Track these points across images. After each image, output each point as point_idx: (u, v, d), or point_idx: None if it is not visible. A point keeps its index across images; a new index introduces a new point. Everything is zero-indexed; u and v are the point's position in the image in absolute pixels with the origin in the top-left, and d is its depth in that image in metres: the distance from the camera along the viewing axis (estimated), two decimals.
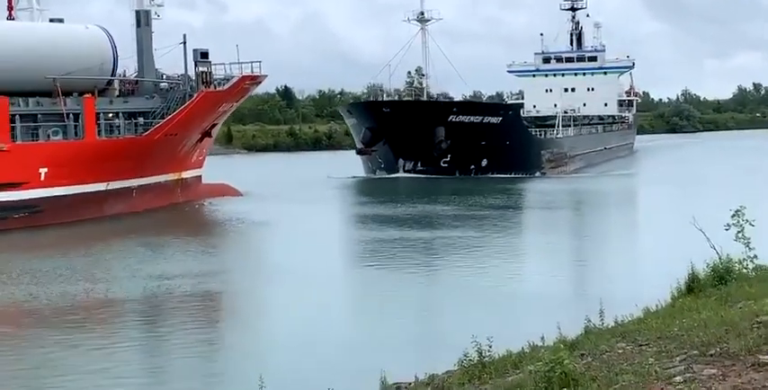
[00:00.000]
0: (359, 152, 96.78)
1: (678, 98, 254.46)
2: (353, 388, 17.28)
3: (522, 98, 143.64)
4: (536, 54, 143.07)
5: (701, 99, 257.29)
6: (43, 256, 43.54)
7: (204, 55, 68.06)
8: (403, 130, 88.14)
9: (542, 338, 16.83)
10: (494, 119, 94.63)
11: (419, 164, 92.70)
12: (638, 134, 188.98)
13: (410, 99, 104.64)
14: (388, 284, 35.52)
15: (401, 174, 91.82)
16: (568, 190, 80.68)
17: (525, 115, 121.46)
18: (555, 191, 79.12)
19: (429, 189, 78.22)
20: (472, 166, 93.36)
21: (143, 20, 69.00)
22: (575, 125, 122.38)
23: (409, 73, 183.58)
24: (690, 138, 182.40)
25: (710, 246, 19.53)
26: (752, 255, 18.92)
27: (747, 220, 18.46)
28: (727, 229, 18.53)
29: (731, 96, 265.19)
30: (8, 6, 66.09)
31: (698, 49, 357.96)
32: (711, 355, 12.41)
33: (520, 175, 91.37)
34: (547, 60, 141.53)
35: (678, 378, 11.39)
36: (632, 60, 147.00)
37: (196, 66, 67.52)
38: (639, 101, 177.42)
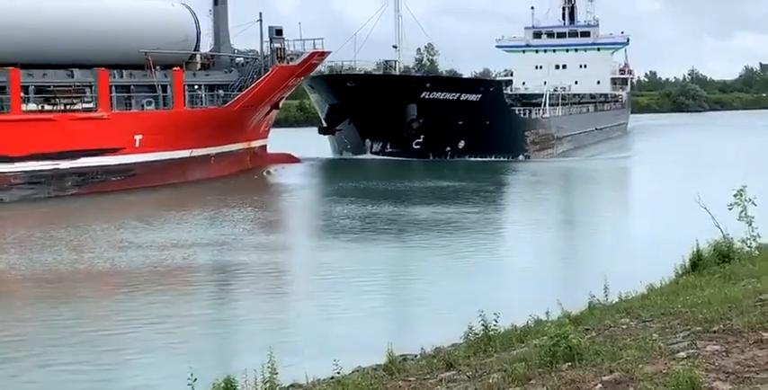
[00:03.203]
0: (321, 131, 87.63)
1: (685, 78, 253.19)
2: (360, 360, 17.40)
3: (512, 75, 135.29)
4: (526, 28, 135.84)
5: (708, 79, 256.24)
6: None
7: (279, 32, 72.88)
8: (370, 108, 79.62)
9: (547, 313, 16.94)
10: (472, 97, 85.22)
11: (388, 146, 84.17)
12: (643, 113, 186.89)
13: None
14: (386, 261, 35.55)
15: (368, 156, 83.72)
16: (559, 170, 79.37)
17: (511, 92, 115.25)
18: (544, 172, 77.48)
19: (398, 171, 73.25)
20: (447, 148, 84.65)
21: None
22: (563, 104, 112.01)
23: (419, 50, 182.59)
24: (693, 118, 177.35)
25: (715, 225, 19.61)
26: (755, 234, 19.01)
27: (750, 199, 18.54)
28: (730, 208, 18.61)
29: (737, 76, 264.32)
30: None
31: (699, 29, 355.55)
32: (715, 331, 12.48)
33: (501, 159, 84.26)
34: (538, 35, 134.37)
35: (681, 354, 11.47)
36: (627, 36, 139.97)
37: (271, 42, 72.29)
38: (634, 79, 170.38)
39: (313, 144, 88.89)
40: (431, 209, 49.31)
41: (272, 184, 70.20)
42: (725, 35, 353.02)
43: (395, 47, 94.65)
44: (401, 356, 16.79)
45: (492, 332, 15.35)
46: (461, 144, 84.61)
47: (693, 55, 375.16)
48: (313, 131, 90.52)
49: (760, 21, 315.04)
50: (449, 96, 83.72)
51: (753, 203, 18.52)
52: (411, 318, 25.44)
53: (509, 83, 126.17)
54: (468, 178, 68.38)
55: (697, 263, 18.80)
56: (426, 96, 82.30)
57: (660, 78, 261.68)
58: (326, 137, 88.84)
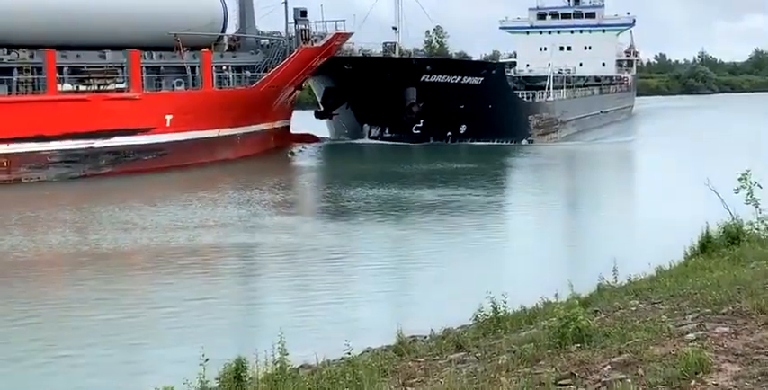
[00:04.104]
0: (318, 115, 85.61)
1: (695, 60, 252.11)
2: (370, 342, 17.49)
3: (515, 57, 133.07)
4: (530, 9, 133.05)
5: (718, 61, 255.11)
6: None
7: (303, 13, 74.54)
8: (368, 91, 77.73)
9: (556, 295, 16.96)
10: (474, 80, 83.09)
11: (387, 131, 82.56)
12: (652, 95, 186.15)
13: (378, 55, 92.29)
14: (394, 243, 35.68)
15: (366, 141, 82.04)
16: (563, 154, 78.85)
17: (514, 75, 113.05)
18: (548, 155, 76.99)
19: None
20: (448, 133, 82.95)
21: None
22: (568, 86, 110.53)
23: (427, 32, 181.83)
24: (701, 101, 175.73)
25: (724, 207, 19.59)
26: (762, 216, 18.99)
27: (756, 182, 18.50)
28: (736, 192, 18.57)
29: (747, 58, 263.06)
30: None
31: (709, 11, 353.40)
32: (724, 313, 12.47)
33: (503, 143, 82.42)
34: (542, 16, 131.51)
35: (691, 335, 11.48)
36: (633, 17, 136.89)
37: (296, 23, 73.84)
38: (640, 61, 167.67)
39: (324, 125, 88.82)
40: (436, 192, 49.44)
41: (292, 167, 70.28)
42: (735, 17, 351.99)
43: (395, 28, 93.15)
44: (411, 337, 16.87)
45: (501, 314, 15.39)
46: (463, 128, 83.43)
47: (703, 37, 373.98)
48: None
49: None
50: (450, 79, 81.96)
51: (758, 186, 18.49)
52: (420, 300, 25.46)
53: (513, 65, 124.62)
54: (470, 161, 68.19)
55: (706, 245, 18.78)
56: (426, 79, 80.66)
57: (670, 60, 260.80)
58: (324, 121, 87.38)
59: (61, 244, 34.98)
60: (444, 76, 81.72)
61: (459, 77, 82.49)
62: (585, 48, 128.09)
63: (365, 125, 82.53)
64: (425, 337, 17.41)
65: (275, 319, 21.83)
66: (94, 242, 35.10)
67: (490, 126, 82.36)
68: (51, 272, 31.78)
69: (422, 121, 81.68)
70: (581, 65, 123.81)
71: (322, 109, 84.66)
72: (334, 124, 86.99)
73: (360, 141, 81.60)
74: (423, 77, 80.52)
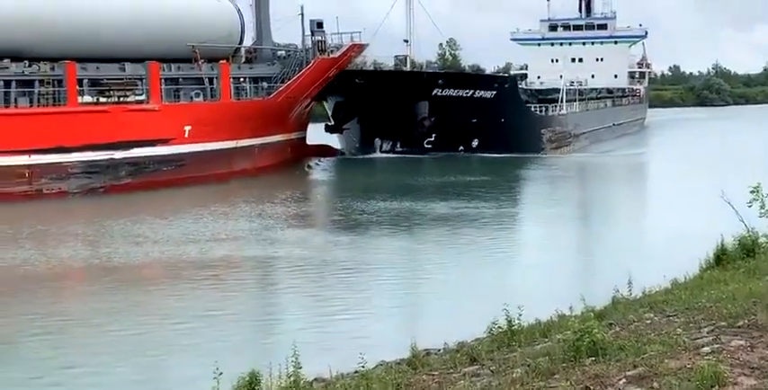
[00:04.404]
0: (328, 129, 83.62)
1: (709, 71, 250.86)
2: (384, 355, 17.43)
3: (526, 69, 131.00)
4: (542, 21, 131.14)
5: (732, 73, 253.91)
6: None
7: (320, 25, 74.56)
8: (379, 105, 75.77)
9: (570, 308, 16.89)
10: (487, 94, 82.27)
11: (398, 145, 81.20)
12: (666, 107, 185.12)
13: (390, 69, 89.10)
14: (408, 256, 35.67)
15: (378, 155, 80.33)
16: (575, 165, 78.63)
17: (527, 87, 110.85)
18: (560, 166, 76.79)
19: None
20: (461, 148, 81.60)
21: None
22: (581, 99, 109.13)
23: (440, 45, 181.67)
24: (714, 112, 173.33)
25: (739, 219, 19.49)
26: None
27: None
28: (749, 205, 18.45)
29: (762, 70, 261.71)
30: None
31: (722, 22, 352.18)
32: (739, 326, 12.43)
33: (515, 154, 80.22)
34: (553, 28, 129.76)
35: (706, 349, 11.42)
36: (645, 29, 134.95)
37: (312, 34, 74.31)
38: (652, 72, 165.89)
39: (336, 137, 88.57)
40: (449, 205, 49.26)
41: (306, 180, 70.26)
42: (746, 28, 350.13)
43: (406, 41, 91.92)
44: (424, 350, 16.81)
45: (515, 327, 15.31)
46: (475, 143, 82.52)
47: (716, 48, 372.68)
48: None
49: None
50: (462, 93, 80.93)
51: None
52: (434, 313, 25.42)
53: (524, 76, 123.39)
54: (483, 173, 67.83)
55: (721, 258, 18.68)
56: (438, 93, 79.67)
57: (684, 72, 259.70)
58: (335, 135, 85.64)
59: (72, 258, 35.02)
60: (456, 90, 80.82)
61: (472, 91, 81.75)
62: (597, 59, 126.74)
63: (377, 139, 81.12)
64: (439, 350, 17.35)
65: (288, 333, 21.83)
66: (105, 255, 35.12)
67: (503, 140, 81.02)
68: (62, 287, 31.76)
69: (433, 135, 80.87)
70: (593, 77, 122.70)
71: (333, 123, 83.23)
72: (345, 138, 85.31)
73: (371, 156, 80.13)
74: (435, 91, 79.69)
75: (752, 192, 18.27)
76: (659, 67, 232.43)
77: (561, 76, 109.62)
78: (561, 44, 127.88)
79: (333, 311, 25.84)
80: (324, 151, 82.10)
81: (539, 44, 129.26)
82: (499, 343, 14.92)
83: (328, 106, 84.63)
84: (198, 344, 22.56)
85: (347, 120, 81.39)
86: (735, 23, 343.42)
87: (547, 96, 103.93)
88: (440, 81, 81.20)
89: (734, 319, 12.83)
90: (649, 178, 72.31)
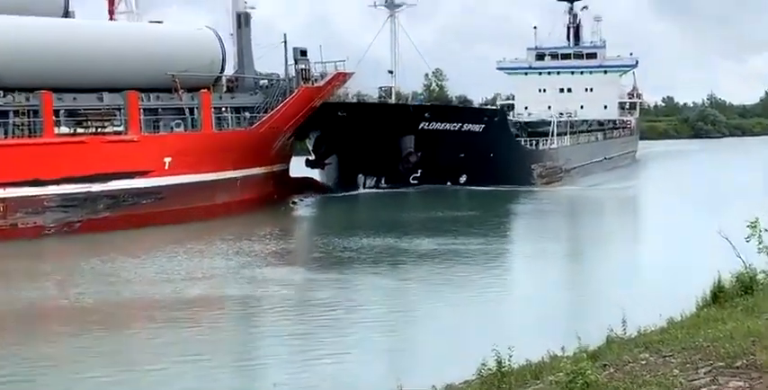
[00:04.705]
0: (309, 164, 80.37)
1: (704, 102, 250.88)
2: None
3: (513, 99, 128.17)
4: (529, 49, 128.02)
5: (727, 103, 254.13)
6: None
7: (303, 53, 73.71)
8: (363, 139, 72.91)
9: (563, 348, 16.51)
10: (475, 127, 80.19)
11: (383, 181, 78.65)
12: (660, 139, 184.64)
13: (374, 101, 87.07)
14: (393, 295, 35.14)
15: (361, 191, 77.55)
16: (565, 199, 78.29)
17: (516, 119, 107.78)
18: (554, 198, 76.83)
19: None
20: (448, 183, 79.60)
21: (243, 22, 74.68)
22: (572, 132, 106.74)
23: (426, 75, 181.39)
24: (709, 145, 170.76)
25: (736, 255, 19.11)
26: None
27: (766, 229, 18.04)
28: (747, 241, 18.08)
29: (758, 101, 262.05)
30: (109, 10, 72.55)
31: (717, 52, 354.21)
32: (738, 367, 12.20)
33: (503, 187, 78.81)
34: (541, 57, 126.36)
35: None
36: (635, 58, 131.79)
37: (296, 63, 72.94)
38: (644, 103, 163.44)
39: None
40: (436, 241, 48.51)
41: (290, 217, 68.95)
42: (739, 58, 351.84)
43: (390, 72, 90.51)
44: None
45: (505, 368, 14.90)
46: (463, 178, 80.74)
47: (710, 79, 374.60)
48: None
49: None
50: (449, 126, 79.02)
51: None
52: (420, 354, 25.11)
53: (511, 107, 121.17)
54: (471, 208, 67.26)
55: (718, 295, 18.28)
56: (425, 127, 77.66)
57: (677, 103, 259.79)
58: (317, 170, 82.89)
59: (40, 299, 34.45)
60: (443, 124, 78.87)
61: (460, 124, 79.81)
62: (587, 89, 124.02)
63: (360, 175, 78.27)
64: None
65: (269, 377, 21.46)
66: (75, 296, 34.59)
67: (491, 175, 79.29)
68: (28, 330, 30.95)
69: (419, 171, 78.86)
70: (582, 107, 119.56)
71: (314, 157, 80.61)
72: (327, 174, 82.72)
73: (353, 193, 76.93)
74: (421, 124, 77.62)
75: (749, 227, 17.88)
76: (652, 98, 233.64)
77: (549, 107, 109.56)
78: (549, 73, 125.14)
79: (315, 353, 25.37)
80: (308, 183, 80.00)
81: (526, 73, 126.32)
82: (488, 385, 14.53)
83: (309, 140, 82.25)
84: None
85: (329, 155, 78.94)
86: (729, 53, 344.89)
87: (537, 129, 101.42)
88: (426, 114, 79.31)
89: (732, 359, 12.54)
90: (642, 212, 71.91)
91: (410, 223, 59.68)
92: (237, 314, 32.52)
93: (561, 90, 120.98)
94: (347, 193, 76.30)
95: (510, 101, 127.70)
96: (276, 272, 40.21)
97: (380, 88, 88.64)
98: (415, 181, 78.84)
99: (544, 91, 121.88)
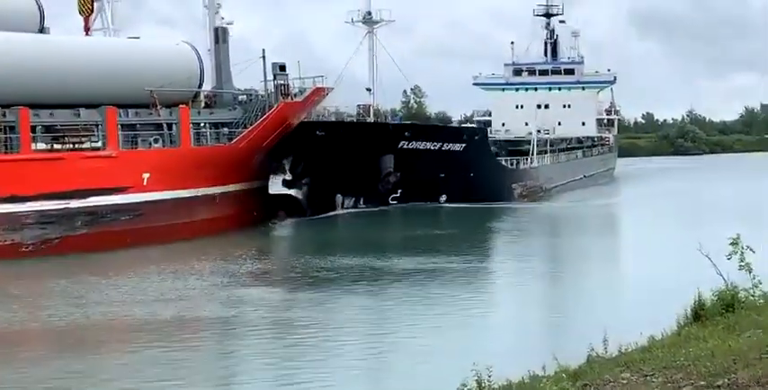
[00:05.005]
0: (286, 184, 75.32)
1: (684, 118, 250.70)
2: None
3: (490, 115, 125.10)
4: (506, 65, 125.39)
5: (707, 120, 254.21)
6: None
7: (282, 68, 73.18)
8: (341, 159, 70.74)
9: (543, 367, 16.37)
10: (456, 146, 79.13)
11: (361, 201, 76.40)
12: (639, 156, 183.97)
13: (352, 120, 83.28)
14: (372, 314, 34.99)
15: (339, 212, 74.98)
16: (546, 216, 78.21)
17: (494, 137, 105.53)
18: (533, 217, 76.59)
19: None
20: (428, 203, 77.95)
21: (221, 37, 74.43)
22: (551, 150, 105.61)
23: (405, 92, 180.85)
24: (687, 162, 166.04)
25: (717, 273, 18.98)
26: (756, 282, 18.38)
27: (748, 247, 17.91)
28: (729, 258, 17.96)
29: (738, 117, 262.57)
30: (85, 27, 71.67)
31: (696, 69, 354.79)
32: (719, 386, 12.08)
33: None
34: (518, 72, 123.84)
35: None
36: (613, 74, 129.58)
37: (275, 78, 72.36)
38: (623, 120, 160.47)
39: None
40: (415, 260, 48.06)
41: (270, 238, 67.29)
42: (719, 75, 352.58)
43: (369, 89, 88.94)
44: None
45: (485, 389, 14.75)
46: (443, 198, 79.29)
47: (690, 95, 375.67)
48: None
49: (759, 59, 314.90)
50: (429, 146, 77.52)
51: (750, 250, 17.88)
52: (398, 374, 24.83)
53: (488, 123, 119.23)
54: (450, 226, 67.08)
55: (699, 313, 18.15)
56: (405, 146, 75.96)
57: (657, 120, 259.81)
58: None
59: (7, 321, 33.85)
60: (424, 143, 77.26)
61: (440, 143, 78.45)
62: (564, 106, 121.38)
63: (338, 195, 75.34)
64: None
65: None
66: (44, 317, 34.15)
67: (472, 196, 78.39)
68: None
69: (399, 192, 77.16)
70: (560, 124, 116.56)
71: (291, 177, 75.77)
72: (303, 194, 77.35)
73: (331, 214, 73.83)
74: (401, 143, 75.96)
75: (731, 244, 17.75)
76: (632, 114, 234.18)
77: (527, 124, 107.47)
78: (526, 89, 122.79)
79: (292, 377, 25.04)
80: (287, 202, 76.30)
81: (503, 89, 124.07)
82: None
83: (286, 160, 77.42)
84: None
85: (306, 175, 75.11)
86: (709, 70, 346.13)
87: (516, 147, 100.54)
88: (406, 133, 77.76)
89: (713, 378, 12.42)
90: (622, 229, 71.71)
91: (389, 242, 59.19)
92: (211, 335, 32.13)
93: (539, 106, 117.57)
94: (324, 215, 73.37)
95: (487, 118, 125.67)
96: (252, 293, 39.71)
97: (359, 106, 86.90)
98: (395, 202, 77.54)
99: (521, 107, 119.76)
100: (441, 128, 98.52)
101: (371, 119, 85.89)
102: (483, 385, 14.78)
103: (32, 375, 26.24)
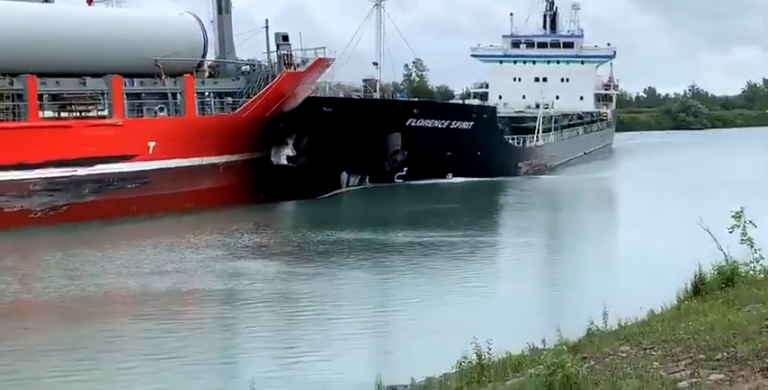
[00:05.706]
0: (290, 160, 72.48)
1: (686, 93, 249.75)
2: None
3: (487, 87, 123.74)
4: (504, 37, 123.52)
5: (709, 95, 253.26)
6: None
7: (285, 38, 73.50)
8: (348, 136, 68.34)
9: (543, 341, 16.45)
10: (464, 124, 78.21)
11: (367, 179, 75.02)
12: (641, 130, 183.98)
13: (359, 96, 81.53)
14: (374, 288, 34.98)
15: (343, 190, 73.25)
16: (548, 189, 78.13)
17: (501, 115, 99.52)
18: (536, 190, 76.73)
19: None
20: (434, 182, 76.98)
21: (224, 7, 74.87)
22: (555, 127, 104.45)
23: (406, 65, 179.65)
24: (688, 137, 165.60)
25: (718, 247, 18.99)
26: (757, 257, 18.37)
27: (750, 221, 17.90)
28: (730, 232, 17.95)
29: (740, 92, 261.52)
30: None
31: (698, 43, 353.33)
32: (718, 359, 12.07)
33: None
34: (516, 45, 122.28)
35: (684, 383, 11.10)
36: (613, 49, 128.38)
37: (278, 48, 72.82)
38: (625, 93, 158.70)
39: None
40: (417, 234, 48.11)
41: (265, 209, 65.94)
42: (722, 49, 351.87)
43: (375, 64, 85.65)
44: (390, 387, 16.39)
45: (486, 362, 14.85)
46: (449, 176, 78.82)
47: (692, 70, 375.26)
48: None
49: (760, 34, 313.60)
50: (438, 124, 76.60)
51: (753, 225, 17.88)
52: (400, 347, 24.93)
53: (484, 95, 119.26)
54: (454, 200, 67.04)
55: (699, 287, 18.18)
56: (413, 123, 74.75)
57: (659, 94, 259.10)
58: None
59: (2, 292, 33.89)
60: (432, 121, 76.29)
61: (448, 122, 77.56)
62: (563, 80, 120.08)
63: (343, 173, 73.54)
64: (406, 386, 16.90)
65: (245, 371, 21.25)
66: (39, 289, 34.16)
67: (478, 174, 78.16)
68: None
69: (405, 169, 76.12)
70: (557, 98, 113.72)
71: (293, 154, 73.45)
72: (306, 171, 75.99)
73: (335, 192, 72.15)
74: (409, 121, 74.66)
75: (734, 218, 17.71)
76: (634, 89, 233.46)
77: (524, 97, 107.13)
78: (524, 62, 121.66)
79: (292, 347, 25.19)
80: (290, 172, 74.74)
81: (500, 61, 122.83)
82: (468, 379, 14.48)
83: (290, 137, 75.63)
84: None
85: (310, 151, 72.20)
86: (711, 45, 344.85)
87: (520, 124, 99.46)
88: (415, 110, 76.50)
89: (712, 351, 12.44)
90: (624, 204, 71.47)
91: (393, 217, 59.29)
92: (219, 309, 32.12)
93: (536, 79, 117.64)
94: (327, 195, 71.52)
95: (483, 89, 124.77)
96: (254, 266, 39.75)
97: (364, 80, 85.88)
98: (401, 180, 76.59)
99: (519, 80, 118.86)
100: (449, 106, 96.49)
101: (378, 94, 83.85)
102: (483, 357, 14.87)
103: (23, 346, 26.18)
